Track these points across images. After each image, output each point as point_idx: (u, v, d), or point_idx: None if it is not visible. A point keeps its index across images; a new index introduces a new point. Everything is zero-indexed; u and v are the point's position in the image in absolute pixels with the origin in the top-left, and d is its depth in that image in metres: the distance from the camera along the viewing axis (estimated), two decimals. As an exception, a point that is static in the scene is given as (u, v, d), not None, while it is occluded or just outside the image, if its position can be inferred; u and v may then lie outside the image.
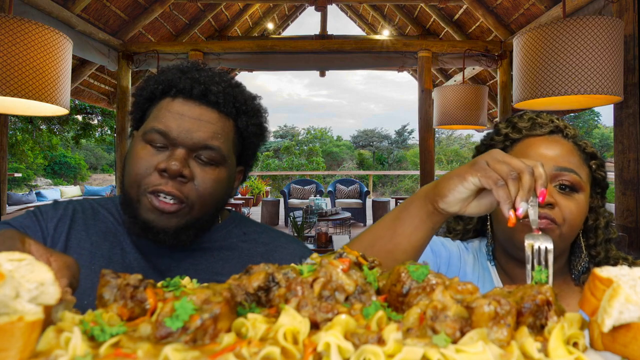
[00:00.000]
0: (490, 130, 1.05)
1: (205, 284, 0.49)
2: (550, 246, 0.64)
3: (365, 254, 0.78)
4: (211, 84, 0.88)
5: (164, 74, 0.92)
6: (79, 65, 5.41)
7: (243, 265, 0.95)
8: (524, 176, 0.64)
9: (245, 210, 11.44)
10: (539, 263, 0.64)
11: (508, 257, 0.97)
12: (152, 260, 0.93)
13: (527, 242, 0.65)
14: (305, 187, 12.16)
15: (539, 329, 0.46)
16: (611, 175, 3.05)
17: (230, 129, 0.92)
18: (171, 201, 0.84)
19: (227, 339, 0.40)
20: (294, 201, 11.28)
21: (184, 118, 0.86)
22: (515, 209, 0.64)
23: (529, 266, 0.65)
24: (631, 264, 0.98)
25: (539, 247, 0.64)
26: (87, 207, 1.00)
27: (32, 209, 0.99)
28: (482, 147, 1.03)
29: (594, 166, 0.95)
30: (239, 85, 0.95)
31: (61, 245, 0.91)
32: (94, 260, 0.91)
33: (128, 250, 0.94)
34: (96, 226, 0.96)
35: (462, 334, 0.41)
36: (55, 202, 1.01)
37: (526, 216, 0.66)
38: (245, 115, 0.93)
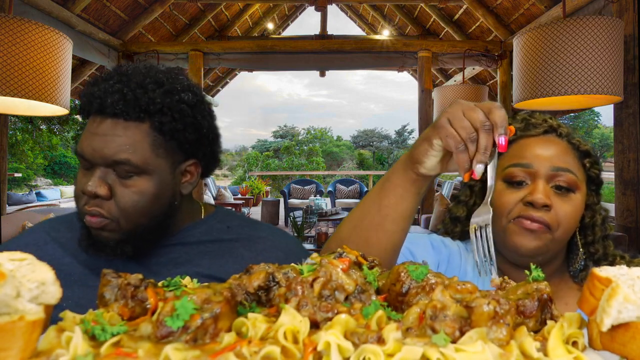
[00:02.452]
0: None
1: (206, 284, 0.49)
2: (488, 218, 0.69)
3: (356, 231, 0.79)
4: (107, 96, 0.85)
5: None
6: (79, 65, 5.41)
7: (224, 257, 0.96)
8: (480, 135, 0.66)
9: (245, 210, 11.44)
10: (485, 248, 0.69)
11: (502, 257, 0.97)
12: (134, 258, 0.94)
13: (472, 225, 0.70)
14: (305, 187, 12.16)
15: (542, 324, 0.46)
16: (611, 175, 3.06)
17: (145, 134, 0.87)
18: (96, 219, 0.87)
19: (228, 338, 0.40)
20: (294, 201, 11.28)
21: (94, 137, 0.86)
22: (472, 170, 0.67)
23: (474, 249, 0.69)
24: (628, 263, 0.99)
25: (480, 227, 0.69)
26: (64, 220, 1.04)
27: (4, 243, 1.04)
28: None
29: (587, 164, 0.95)
30: (146, 85, 0.88)
31: None
32: (72, 270, 0.94)
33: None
34: (72, 238, 0.98)
35: (462, 333, 0.41)
36: (36, 225, 1.05)
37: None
38: (159, 114, 0.87)
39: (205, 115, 0.95)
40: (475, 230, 0.69)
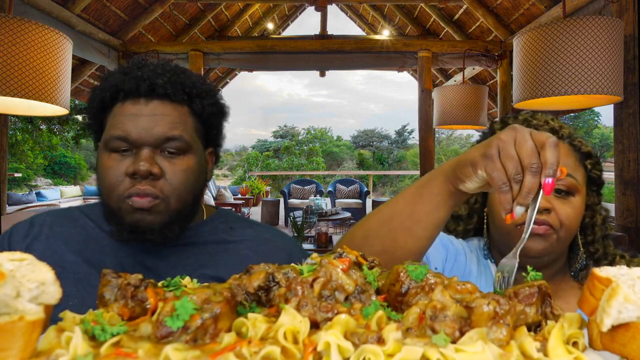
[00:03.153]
0: (486, 130, 1.05)
1: (206, 284, 0.49)
2: (511, 278, 0.63)
3: (384, 228, 0.79)
4: (155, 78, 0.89)
5: (107, 80, 0.92)
6: (79, 65, 5.41)
7: (229, 258, 0.96)
8: (525, 177, 0.62)
9: (245, 210, 11.44)
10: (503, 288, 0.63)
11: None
12: (138, 260, 0.93)
13: (497, 273, 0.64)
14: (305, 187, 12.15)
15: (543, 316, 0.46)
16: (611, 175, 3.06)
17: (187, 115, 0.92)
18: (147, 198, 0.86)
19: (228, 338, 0.40)
20: (294, 201, 11.27)
21: (139, 117, 0.87)
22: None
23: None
24: (628, 262, 0.99)
25: (503, 277, 0.63)
26: (67, 216, 1.02)
27: (8, 229, 1.00)
28: None
29: (589, 166, 0.95)
30: (184, 71, 0.95)
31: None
32: (77, 269, 0.92)
33: (112, 254, 0.94)
34: (77, 234, 0.97)
35: (462, 333, 0.41)
36: (34, 217, 1.02)
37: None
38: (198, 97, 0.93)
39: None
40: (499, 278, 0.64)
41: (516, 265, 0.63)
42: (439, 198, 0.74)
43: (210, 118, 0.97)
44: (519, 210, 0.62)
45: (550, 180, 0.61)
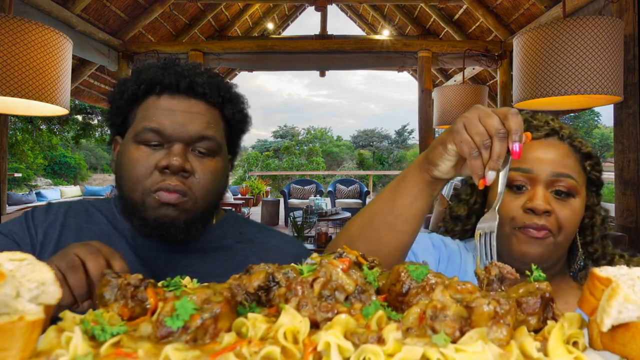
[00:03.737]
0: None
1: (206, 284, 0.49)
2: (494, 225, 0.68)
3: (366, 229, 0.80)
4: (195, 76, 0.89)
5: (143, 73, 0.91)
6: (79, 65, 5.41)
7: (237, 266, 0.93)
8: (494, 142, 0.66)
9: (245, 210, 11.43)
10: (487, 254, 0.67)
11: (503, 260, 0.97)
12: (147, 263, 0.92)
13: (477, 231, 0.69)
14: (305, 187, 12.15)
15: (545, 322, 0.46)
16: (611, 175, 3.06)
17: (219, 118, 0.93)
18: (175, 195, 0.85)
19: (228, 338, 0.40)
20: (294, 201, 11.27)
21: (176, 113, 0.87)
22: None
23: (478, 255, 0.68)
24: (627, 262, 0.99)
25: (486, 234, 0.68)
26: (81, 209, 0.99)
27: (25, 211, 0.98)
28: None
29: (589, 167, 0.95)
30: (217, 75, 0.96)
31: (51, 251, 0.89)
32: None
33: (122, 254, 0.92)
34: (89, 229, 0.95)
35: (462, 333, 0.41)
36: (49, 204, 0.99)
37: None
38: (230, 103, 0.94)
39: None
40: (480, 236, 0.69)
41: (497, 221, 0.69)
42: (416, 189, 0.77)
43: (237, 125, 0.97)
44: (491, 175, 0.66)
45: (517, 145, 0.66)
